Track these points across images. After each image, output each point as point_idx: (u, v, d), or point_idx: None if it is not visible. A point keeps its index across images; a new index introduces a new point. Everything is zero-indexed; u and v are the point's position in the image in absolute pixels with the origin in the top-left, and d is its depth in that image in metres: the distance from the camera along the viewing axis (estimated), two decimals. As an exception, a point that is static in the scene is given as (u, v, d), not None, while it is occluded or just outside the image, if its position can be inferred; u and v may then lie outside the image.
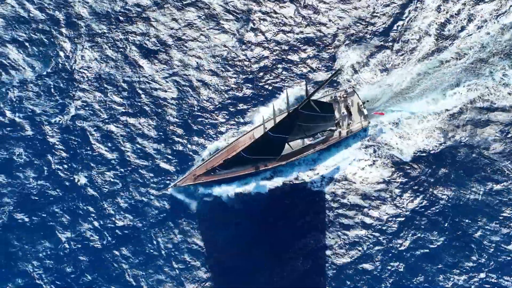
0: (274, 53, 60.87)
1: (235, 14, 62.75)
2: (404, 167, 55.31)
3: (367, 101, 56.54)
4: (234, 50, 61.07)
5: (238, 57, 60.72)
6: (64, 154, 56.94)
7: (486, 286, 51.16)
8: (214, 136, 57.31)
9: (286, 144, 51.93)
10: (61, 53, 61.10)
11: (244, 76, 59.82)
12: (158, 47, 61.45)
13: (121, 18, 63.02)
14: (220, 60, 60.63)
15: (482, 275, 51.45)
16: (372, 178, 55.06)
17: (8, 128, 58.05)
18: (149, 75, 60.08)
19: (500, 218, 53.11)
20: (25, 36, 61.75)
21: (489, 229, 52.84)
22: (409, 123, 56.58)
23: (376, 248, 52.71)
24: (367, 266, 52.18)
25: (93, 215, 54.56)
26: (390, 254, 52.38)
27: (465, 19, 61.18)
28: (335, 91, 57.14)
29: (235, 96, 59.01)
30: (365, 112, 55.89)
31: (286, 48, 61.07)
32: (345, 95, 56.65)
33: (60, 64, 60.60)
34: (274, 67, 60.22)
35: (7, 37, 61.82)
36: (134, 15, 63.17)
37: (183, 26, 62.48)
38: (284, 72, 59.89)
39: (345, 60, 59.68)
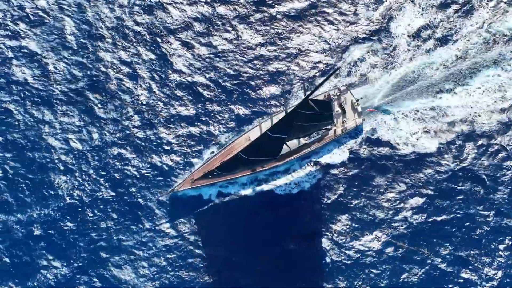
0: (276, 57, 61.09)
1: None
2: (400, 165, 55.50)
3: (361, 98, 56.69)
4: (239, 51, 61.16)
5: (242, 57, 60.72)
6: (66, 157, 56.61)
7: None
8: (210, 141, 57.29)
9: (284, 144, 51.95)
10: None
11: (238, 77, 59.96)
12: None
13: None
14: (219, 60, 60.65)
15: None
16: (367, 176, 55.31)
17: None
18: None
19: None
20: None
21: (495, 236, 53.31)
22: (406, 121, 56.79)
23: (377, 247, 53.08)
24: (369, 265, 52.56)
25: (87, 218, 54.23)
26: (391, 254, 52.80)
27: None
28: (329, 89, 57.27)
29: (229, 101, 59.05)
30: (359, 109, 56.08)
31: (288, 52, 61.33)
32: (338, 93, 56.74)
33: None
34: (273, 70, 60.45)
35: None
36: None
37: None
38: (282, 76, 60.06)
39: (349, 58, 60.01)
